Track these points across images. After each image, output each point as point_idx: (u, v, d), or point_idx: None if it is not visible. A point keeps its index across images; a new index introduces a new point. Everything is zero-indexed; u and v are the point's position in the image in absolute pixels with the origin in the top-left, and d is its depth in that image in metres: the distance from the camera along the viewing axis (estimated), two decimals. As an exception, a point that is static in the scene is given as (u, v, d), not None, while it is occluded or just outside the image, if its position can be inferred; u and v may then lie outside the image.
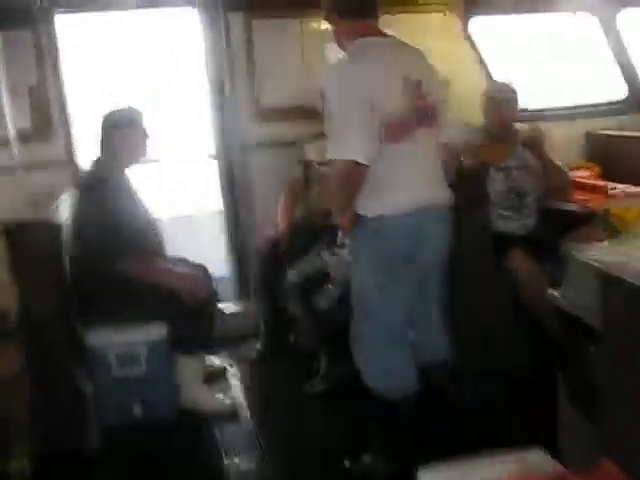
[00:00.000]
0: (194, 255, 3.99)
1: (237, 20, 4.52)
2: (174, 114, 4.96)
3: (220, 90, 4.61)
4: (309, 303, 3.63)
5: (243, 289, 4.85)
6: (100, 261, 3.33)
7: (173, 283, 3.44)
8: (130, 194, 3.63)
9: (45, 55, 4.33)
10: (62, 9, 4.29)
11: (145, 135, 3.61)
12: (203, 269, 3.85)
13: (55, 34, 4.32)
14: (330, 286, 3.47)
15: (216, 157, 4.74)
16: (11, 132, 4.18)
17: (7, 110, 4.18)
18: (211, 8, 4.49)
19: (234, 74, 4.57)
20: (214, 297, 3.75)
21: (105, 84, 4.62)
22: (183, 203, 5.50)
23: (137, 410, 3.46)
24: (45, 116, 4.38)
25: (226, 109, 4.62)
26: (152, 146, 3.72)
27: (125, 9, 4.33)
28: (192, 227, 5.39)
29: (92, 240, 3.34)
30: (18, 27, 4.19)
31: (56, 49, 4.35)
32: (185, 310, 3.41)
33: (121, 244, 3.34)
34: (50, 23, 4.29)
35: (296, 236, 4.02)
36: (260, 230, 4.35)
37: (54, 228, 3.36)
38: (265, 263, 4.14)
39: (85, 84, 4.64)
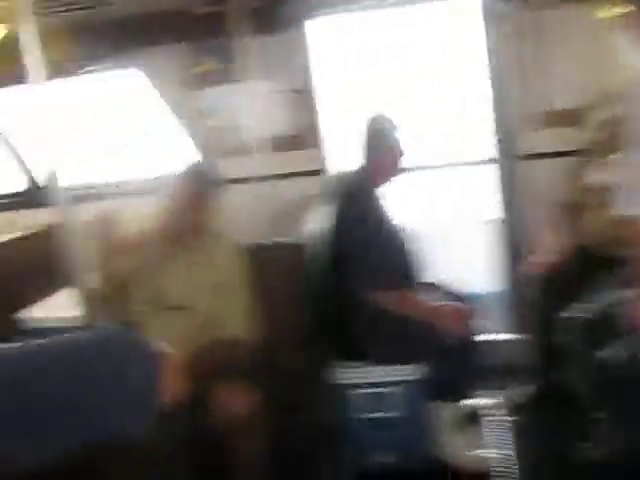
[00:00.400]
0: (460, 268, 3.61)
1: (525, 10, 3.88)
2: (448, 115, 4.48)
3: (502, 90, 4.05)
4: (592, 351, 2.98)
5: (513, 313, 4.27)
6: (356, 291, 3.00)
7: (431, 319, 3.01)
8: (386, 213, 3.25)
9: (299, 60, 4.11)
10: (319, 10, 4.03)
11: (398, 151, 3.22)
12: (465, 299, 3.37)
13: (308, 37, 4.09)
14: (621, 337, 2.79)
15: (493, 163, 4.21)
16: (263, 140, 4.05)
17: (260, 118, 4.05)
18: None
19: (519, 72, 3.98)
20: (476, 333, 3.25)
21: (362, 88, 4.27)
22: (451, 212, 5.03)
23: (385, 455, 3.10)
24: (299, 123, 4.18)
25: (508, 110, 4.07)
26: (420, 151, 3.33)
27: (388, 6, 3.97)
28: (460, 237, 4.95)
29: (349, 269, 3.04)
30: (272, 32, 4.02)
31: (310, 53, 4.13)
32: (443, 349, 2.97)
33: (378, 273, 3.00)
34: (304, 26, 4.07)
35: (577, 264, 3.38)
36: (535, 251, 3.73)
37: (302, 249, 3.07)
38: (540, 291, 3.52)
39: (340, 89, 4.32)
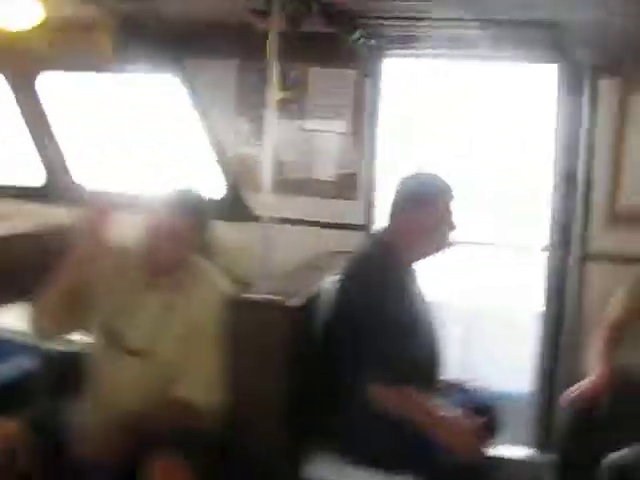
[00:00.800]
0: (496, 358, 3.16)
1: (609, 90, 3.39)
2: (505, 189, 3.98)
3: (568, 177, 3.53)
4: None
5: (544, 427, 3.66)
6: (350, 378, 2.48)
7: (437, 431, 2.45)
8: (408, 291, 2.70)
9: (364, 100, 3.69)
10: (395, 50, 3.61)
11: (450, 224, 2.67)
12: (487, 409, 2.82)
13: (381, 78, 3.68)
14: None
15: (547, 252, 3.67)
16: (301, 181, 3.72)
17: (304, 156, 3.65)
18: (575, 69, 3.43)
19: (592, 161, 3.47)
20: (490, 453, 2.67)
21: (421, 141, 3.81)
22: (495, 296, 4.53)
23: None
24: (349, 169, 3.76)
25: (570, 201, 3.54)
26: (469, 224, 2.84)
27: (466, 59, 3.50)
28: (500, 326, 4.46)
29: (345, 351, 2.51)
30: (337, 64, 3.66)
31: (379, 95, 3.70)
32: (443, 467, 2.40)
33: (380, 363, 2.45)
34: (378, 65, 3.68)
35: (620, 394, 2.79)
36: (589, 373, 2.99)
37: (297, 312, 2.53)
38: (576, 420, 2.90)
39: (399, 137, 3.87)
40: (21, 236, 3.80)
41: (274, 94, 2.56)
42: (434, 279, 2.97)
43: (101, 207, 2.35)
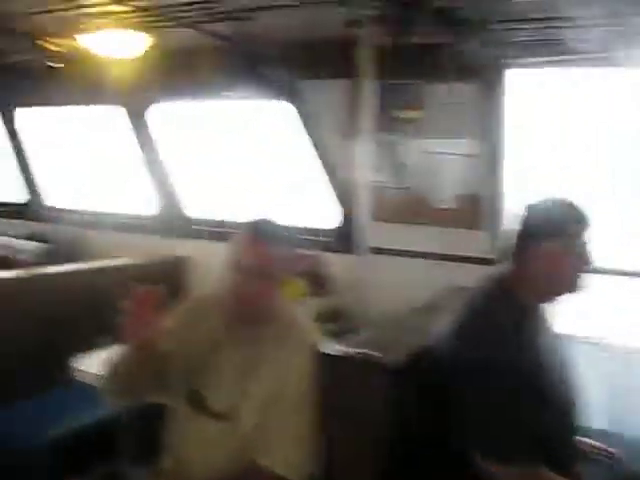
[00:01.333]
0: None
1: None
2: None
3: None
4: None
5: None
6: (462, 449, 2.08)
7: None
8: (541, 343, 2.24)
9: (488, 116, 3.28)
10: (519, 59, 3.21)
11: (584, 259, 2.19)
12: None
13: (504, 91, 3.28)
14: None
15: None
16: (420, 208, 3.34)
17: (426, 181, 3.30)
18: None
19: None
20: None
21: (554, 161, 3.31)
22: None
23: None
24: (473, 193, 3.38)
25: None
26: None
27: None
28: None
29: (456, 416, 2.10)
30: (458, 78, 3.27)
31: (503, 110, 3.29)
32: None
33: (500, 434, 2.02)
34: (500, 77, 3.30)
35: None
36: None
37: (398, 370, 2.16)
38: None
39: (528, 158, 3.42)
40: (125, 268, 3.66)
41: (369, 114, 2.23)
42: (580, 315, 2.51)
43: (142, 298, 2.04)
